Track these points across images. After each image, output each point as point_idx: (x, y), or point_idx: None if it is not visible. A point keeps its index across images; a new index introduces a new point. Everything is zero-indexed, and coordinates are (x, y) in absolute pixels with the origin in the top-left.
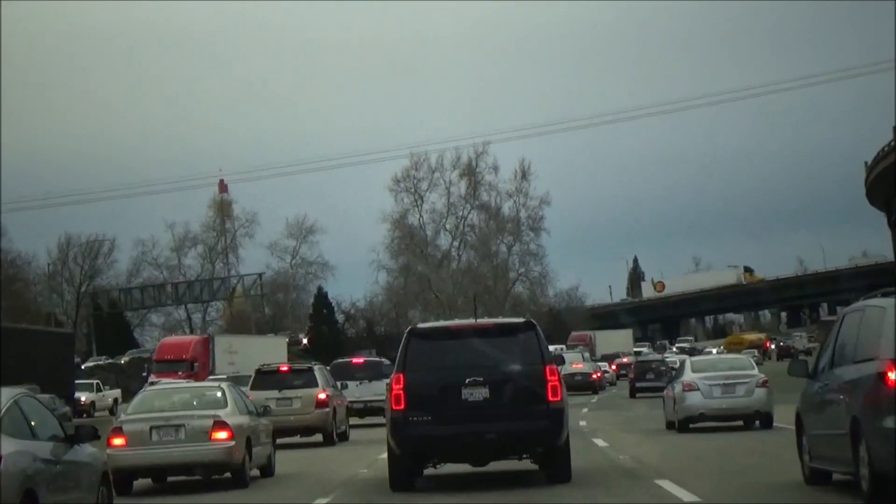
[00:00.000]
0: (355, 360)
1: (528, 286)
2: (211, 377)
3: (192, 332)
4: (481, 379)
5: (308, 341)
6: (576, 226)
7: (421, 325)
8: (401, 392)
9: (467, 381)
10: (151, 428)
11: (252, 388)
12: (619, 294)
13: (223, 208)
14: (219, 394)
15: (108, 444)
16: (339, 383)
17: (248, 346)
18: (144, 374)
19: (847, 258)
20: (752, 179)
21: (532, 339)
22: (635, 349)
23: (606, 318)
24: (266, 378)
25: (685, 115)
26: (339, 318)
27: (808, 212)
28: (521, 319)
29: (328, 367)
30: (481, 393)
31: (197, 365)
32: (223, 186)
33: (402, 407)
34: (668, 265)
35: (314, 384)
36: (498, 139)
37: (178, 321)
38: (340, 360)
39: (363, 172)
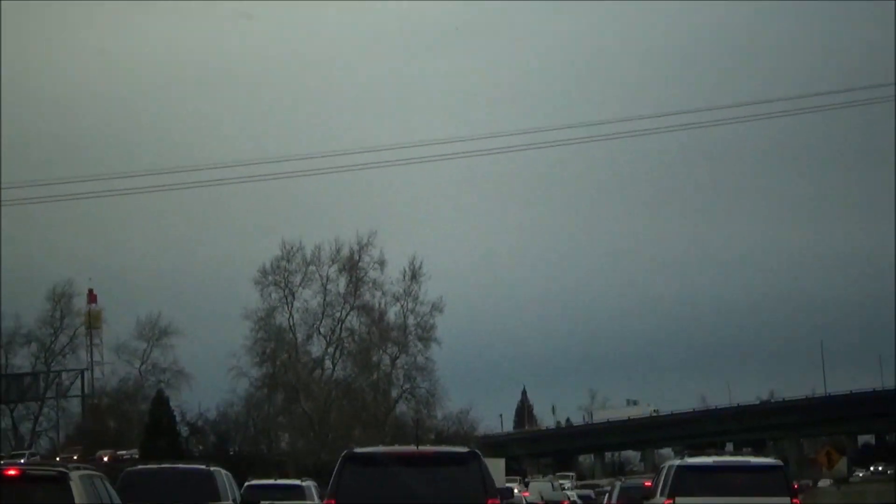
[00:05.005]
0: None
1: (414, 405)
2: None
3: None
4: None
5: (109, 458)
6: (468, 340)
7: (358, 450)
8: None
9: None
10: None
11: None
12: (510, 424)
13: (91, 320)
14: None
15: None
16: None
17: None
18: None
19: (755, 396)
20: (649, 319)
21: (475, 470)
22: None
23: (497, 447)
24: None
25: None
26: (184, 430)
27: (712, 350)
28: (465, 449)
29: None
30: None
31: None
32: (92, 296)
33: None
34: (562, 398)
35: None
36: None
37: (3, 431)
38: (133, 469)
39: (231, 267)
